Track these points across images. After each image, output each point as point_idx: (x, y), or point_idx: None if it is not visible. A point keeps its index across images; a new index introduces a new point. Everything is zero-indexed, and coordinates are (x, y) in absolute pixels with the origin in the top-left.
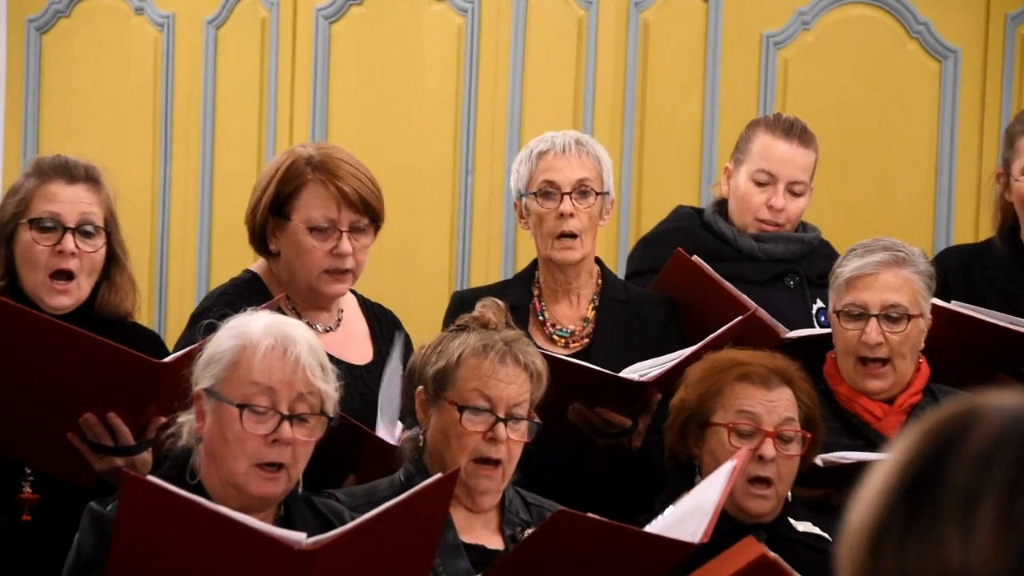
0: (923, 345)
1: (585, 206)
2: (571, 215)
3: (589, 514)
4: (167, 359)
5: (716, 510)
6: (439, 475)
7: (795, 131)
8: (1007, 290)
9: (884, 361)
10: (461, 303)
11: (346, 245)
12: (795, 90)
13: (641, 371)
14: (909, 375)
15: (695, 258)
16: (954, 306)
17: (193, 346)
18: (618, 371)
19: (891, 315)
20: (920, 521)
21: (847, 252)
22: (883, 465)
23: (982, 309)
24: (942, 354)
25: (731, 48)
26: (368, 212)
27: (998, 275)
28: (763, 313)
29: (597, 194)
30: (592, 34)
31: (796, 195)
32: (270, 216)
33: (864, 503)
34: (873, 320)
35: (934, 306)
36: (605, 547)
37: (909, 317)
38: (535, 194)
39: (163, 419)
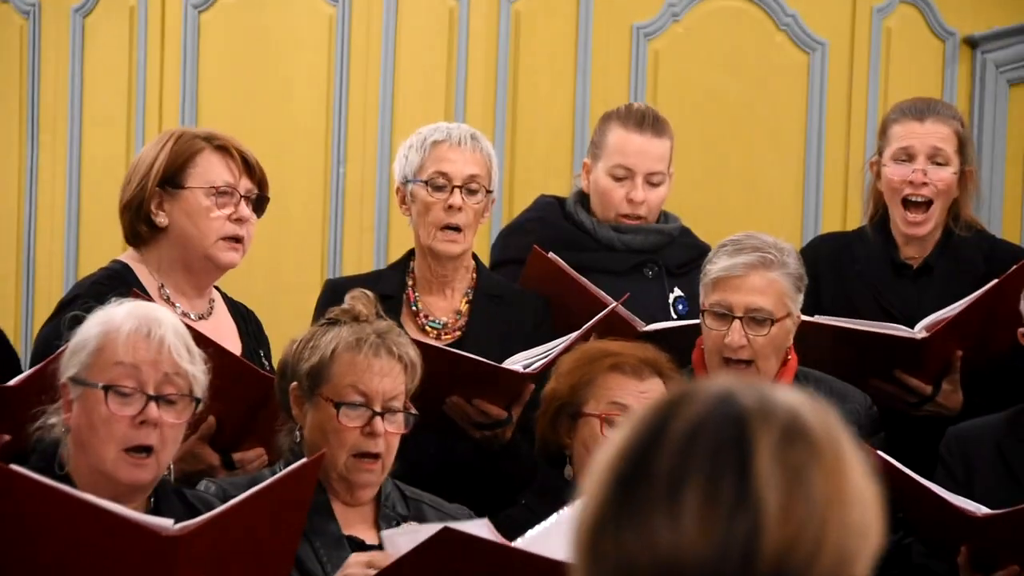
0: (791, 342)
1: (473, 202)
2: (459, 209)
3: (474, 532)
4: (12, 382)
5: None
6: (303, 460)
7: (647, 122)
8: (874, 283)
9: (747, 362)
10: (333, 291)
11: (244, 210)
12: (665, 81)
13: (518, 363)
14: (772, 374)
15: (551, 255)
16: (819, 319)
17: (39, 366)
18: None
19: (755, 318)
20: (632, 507)
21: (718, 248)
22: (601, 455)
23: (845, 319)
24: (812, 361)
25: (602, 39)
26: (261, 184)
27: (867, 267)
28: (620, 308)
29: (486, 192)
30: (463, 25)
31: (655, 185)
32: (159, 189)
33: (586, 492)
34: (736, 322)
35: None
36: (488, 566)
37: (773, 321)
38: (425, 183)
39: (7, 437)
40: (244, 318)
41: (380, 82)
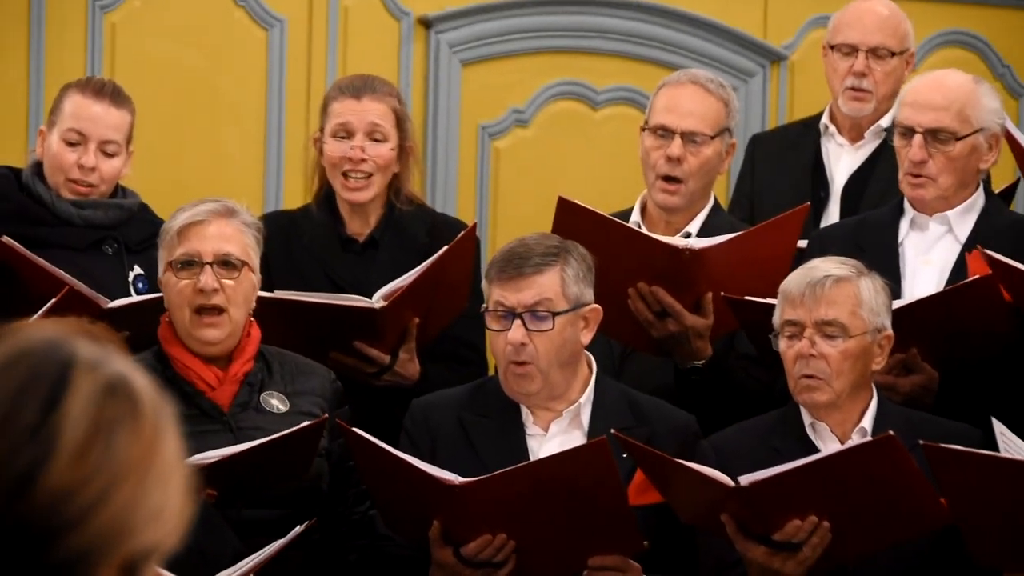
0: (254, 303)
1: None
2: None
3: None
4: None
5: None
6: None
7: (106, 91)
8: (323, 258)
9: (220, 310)
10: None
11: None
12: (123, 54)
13: None
14: (242, 325)
15: (5, 239)
16: (277, 294)
17: None
18: None
19: (226, 261)
20: None
21: (176, 211)
22: None
23: (303, 293)
24: (272, 337)
25: (56, 12)
26: None
27: (315, 243)
28: (81, 286)
29: None
30: None
31: (109, 155)
32: None
33: None
34: (207, 268)
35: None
36: None
37: (243, 264)
38: None
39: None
40: None
41: None
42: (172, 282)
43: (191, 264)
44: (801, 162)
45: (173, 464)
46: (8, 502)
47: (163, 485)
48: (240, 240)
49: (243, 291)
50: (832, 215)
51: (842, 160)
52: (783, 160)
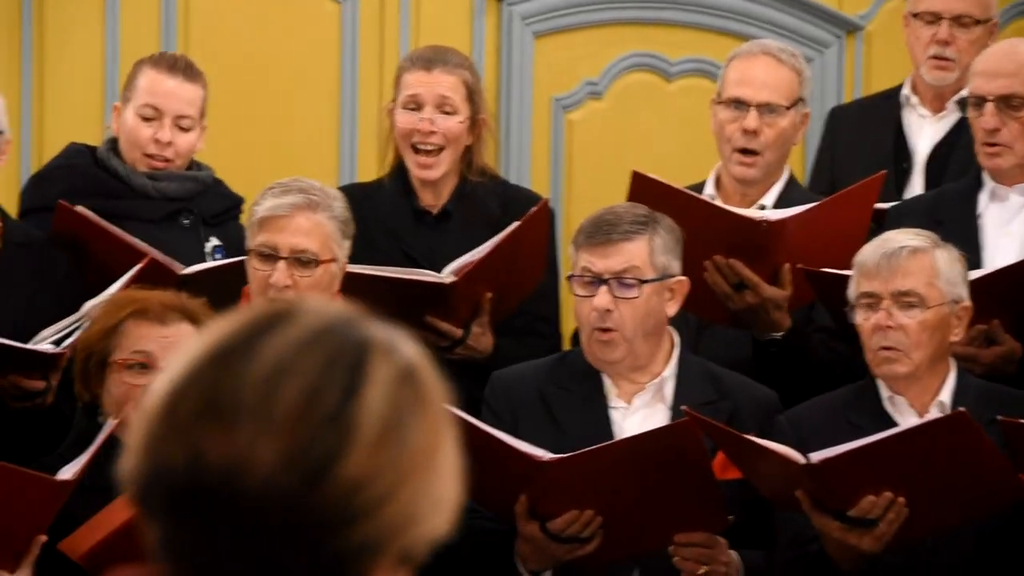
0: (337, 288)
1: None
2: None
3: None
4: None
5: None
6: None
7: (180, 66)
8: (396, 230)
9: None
10: None
11: None
12: (197, 29)
13: (46, 339)
14: None
15: (79, 208)
16: (348, 268)
17: None
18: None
19: (300, 259)
20: (218, 406)
21: (265, 190)
22: (199, 342)
23: (374, 267)
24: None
25: None
26: None
27: (388, 215)
28: (156, 253)
29: None
30: None
31: (184, 129)
32: None
33: (173, 375)
34: (281, 263)
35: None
36: None
37: (318, 262)
38: None
39: None
40: None
41: None
42: (252, 265)
43: (269, 256)
44: (882, 134)
45: (453, 453)
46: (303, 490)
47: (445, 475)
48: (320, 234)
49: (319, 284)
50: (915, 187)
51: (924, 131)
52: (864, 133)
